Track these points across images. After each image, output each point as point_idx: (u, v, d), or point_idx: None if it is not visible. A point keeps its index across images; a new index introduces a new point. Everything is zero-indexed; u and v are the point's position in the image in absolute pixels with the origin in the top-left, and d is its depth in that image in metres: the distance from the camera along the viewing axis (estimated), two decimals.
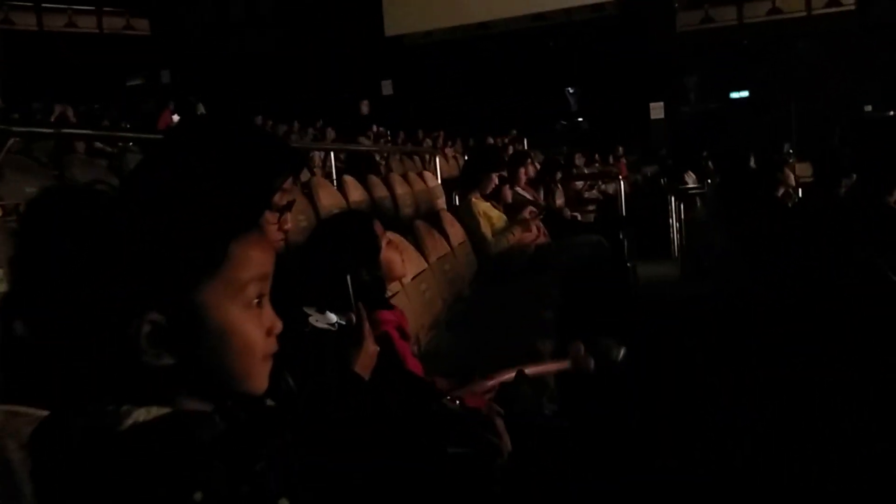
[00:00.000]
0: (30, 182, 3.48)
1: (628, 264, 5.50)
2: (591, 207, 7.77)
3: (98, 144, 4.76)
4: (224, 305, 0.68)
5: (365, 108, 7.94)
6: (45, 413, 0.78)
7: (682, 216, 7.06)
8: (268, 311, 0.73)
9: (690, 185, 8.30)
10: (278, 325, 0.74)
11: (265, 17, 17.24)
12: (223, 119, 1.19)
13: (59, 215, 0.65)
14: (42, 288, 0.64)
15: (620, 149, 12.79)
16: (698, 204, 6.84)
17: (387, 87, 16.25)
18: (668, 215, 7.21)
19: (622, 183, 7.74)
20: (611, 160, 12.43)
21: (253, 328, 0.70)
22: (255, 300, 0.71)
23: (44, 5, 15.77)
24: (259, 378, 0.72)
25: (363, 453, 0.89)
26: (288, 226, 1.15)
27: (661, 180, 10.20)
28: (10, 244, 1.74)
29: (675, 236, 7.12)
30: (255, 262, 0.70)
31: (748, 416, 2.67)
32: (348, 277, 1.18)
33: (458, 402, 1.27)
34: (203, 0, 17.58)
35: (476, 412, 1.23)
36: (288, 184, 1.12)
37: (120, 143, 5.00)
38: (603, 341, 1.77)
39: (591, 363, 1.73)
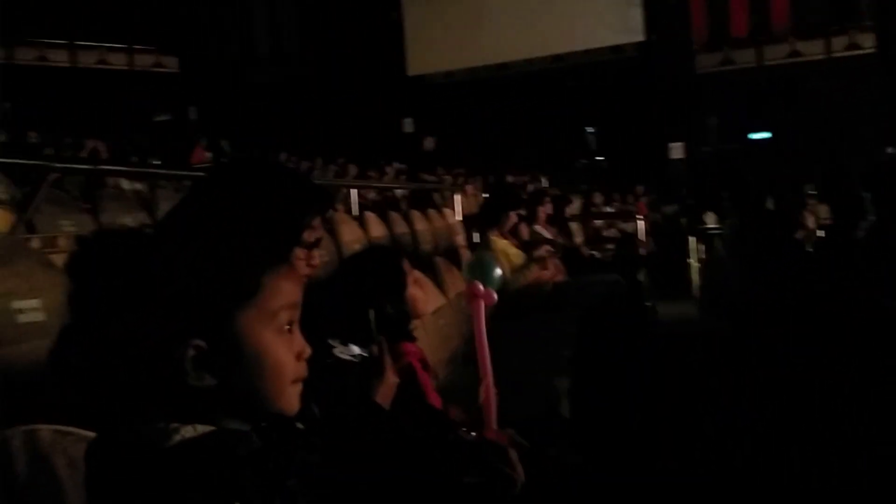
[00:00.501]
0: (64, 215, 3.61)
1: (647, 303, 5.53)
2: (609, 246, 7.81)
3: (125, 184, 4.94)
4: (258, 332, 0.75)
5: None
6: (91, 434, 0.85)
7: (701, 256, 7.09)
8: (297, 337, 0.80)
9: (710, 225, 8.32)
10: (307, 350, 0.81)
11: (290, 53, 17.68)
12: (256, 160, 1.27)
13: (110, 255, 0.73)
14: (96, 321, 0.71)
15: (640, 188, 12.83)
16: (717, 244, 6.85)
17: (408, 125, 16.52)
18: (686, 255, 7.24)
19: (641, 222, 7.79)
20: (630, 199, 12.47)
21: (284, 352, 0.77)
22: (286, 326, 0.78)
23: (77, 42, 16.31)
24: (289, 399, 0.79)
25: (381, 479, 0.94)
26: (316, 262, 1.21)
27: (681, 220, 10.22)
28: (45, 275, 1.83)
29: (694, 276, 7.13)
30: (285, 292, 0.78)
31: (767, 458, 2.67)
32: (371, 312, 1.24)
33: (473, 433, 1.32)
34: (229, 37, 18.08)
35: (490, 443, 1.27)
36: (316, 221, 1.19)
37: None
38: (483, 259, 1.82)
39: (494, 295, 1.76)
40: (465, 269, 1.85)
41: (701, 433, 2.93)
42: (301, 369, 0.80)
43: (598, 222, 8.70)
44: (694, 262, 7.14)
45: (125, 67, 17.03)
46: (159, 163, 7.52)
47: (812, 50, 14.46)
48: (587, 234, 7.56)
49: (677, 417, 3.02)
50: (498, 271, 1.82)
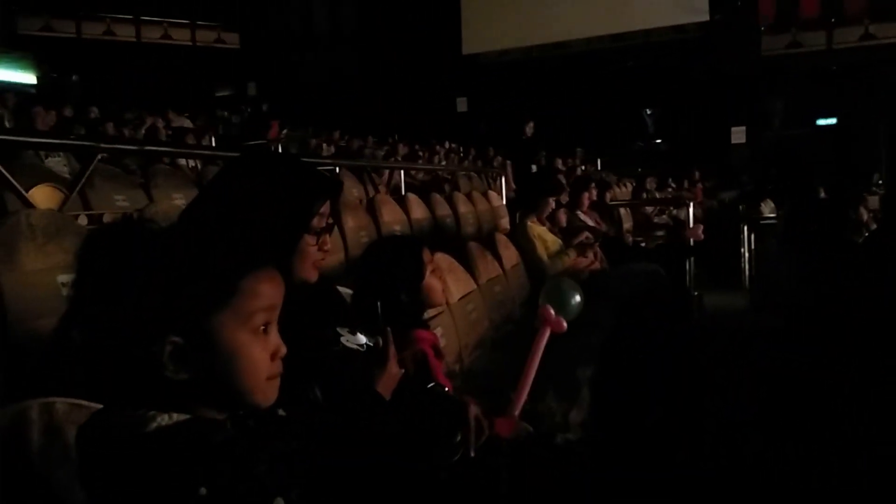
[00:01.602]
0: (118, 191, 3.77)
1: (694, 293, 5.43)
2: (659, 233, 7.67)
3: (182, 160, 5.12)
4: (233, 332, 0.79)
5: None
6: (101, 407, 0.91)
7: (753, 246, 6.90)
8: (273, 337, 0.85)
9: (766, 214, 8.08)
10: (282, 350, 0.85)
11: (348, 32, 17.80)
12: (264, 150, 1.31)
13: (108, 248, 0.78)
14: (92, 306, 0.77)
15: (697, 173, 12.53)
16: (770, 234, 6.66)
17: (461, 104, 16.48)
18: (739, 244, 7.06)
19: (693, 209, 7.62)
20: (686, 184, 12.18)
21: (258, 351, 0.82)
22: (262, 327, 0.83)
23: (142, 17, 16.78)
24: (263, 394, 0.83)
25: (371, 464, 0.98)
26: (327, 247, 1.25)
27: (739, 207, 9.95)
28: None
29: (746, 266, 6.95)
30: (262, 295, 0.82)
31: (817, 457, 2.61)
32: (378, 303, 1.28)
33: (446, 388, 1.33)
34: (290, 14, 18.30)
35: (453, 399, 1.28)
36: (325, 208, 1.22)
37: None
38: (563, 287, 1.79)
39: (564, 324, 1.74)
40: (543, 293, 1.84)
41: (738, 432, 2.87)
42: (276, 367, 0.84)
43: (649, 209, 8.52)
44: (746, 253, 6.96)
45: (188, 43, 17.44)
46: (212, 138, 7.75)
47: (887, 33, 13.74)
48: (636, 221, 7.43)
49: (711, 414, 2.97)
50: (576, 300, 1.81)
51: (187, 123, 9.17)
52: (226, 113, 11.92)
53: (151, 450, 0.73)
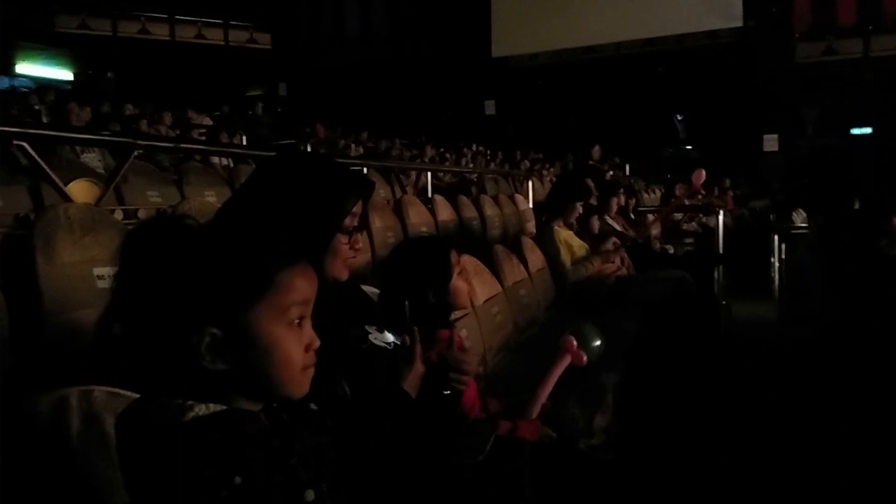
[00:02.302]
0: (151, 187, 3.84)
1: (722, 302, 5.37)
2: (688, 240, 7.58)
3: (214, 158, 5.22)
4: (269, 324, 0.82)
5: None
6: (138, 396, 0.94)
7: (784, 256, 6.80)
8: (307, 330, 0.87)
9: (798, 224, 7.95)
10: (316, 343, 0.88)
11: (378, 33, 17.92)
12: (297, 151, 1.35)
13: (151, 244, 0.81)
14: (133, 300, 0.80)
15: (728, 181, 12.38)
16: (800, 244, 6.56)
17: (489, 107, 16.48)
18: (770, 254, 6.96)
19: (723, 216, 7.52)
20: (716, 192, 12.05)
21: (293, 344, 0.84)
22: (297, 321, 0.85)
23: (177, 17, 17.07)
24: (297, 386, 0.85)
25: (395, 460, 1.00)
26: (359, 245, 1.27)
27: (770, 216, 9.81)
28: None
29: (776, 277, 6.86)
30: (297, 290, 0.84)
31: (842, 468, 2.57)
32: (406, 303, 1.30)
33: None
34: (321, 16, 18.47)
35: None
36: (357, 207, 1.24)
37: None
38: (585, 328, 1.82)
39: (585, 359, 1.77)
40: (571, 325, 1.88)
41: (765, 444, 2.83)
42: (309, 359, 0.86)
43: (678, 215, 8.44)
44: (777, 263, 6.86)
45: (221, 42, 17.69)
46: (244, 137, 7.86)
47: None
48: (665, 227, 7.36)
49: (736, 426, 2.93)
50: (597, 344, 1.84)
51: (207, 121, 9.30)
52: (257, 111, 12.04)
53: (188, 438, 0.75)
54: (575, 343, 1.75)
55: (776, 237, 6.95)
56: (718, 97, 14.57)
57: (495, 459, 1.12)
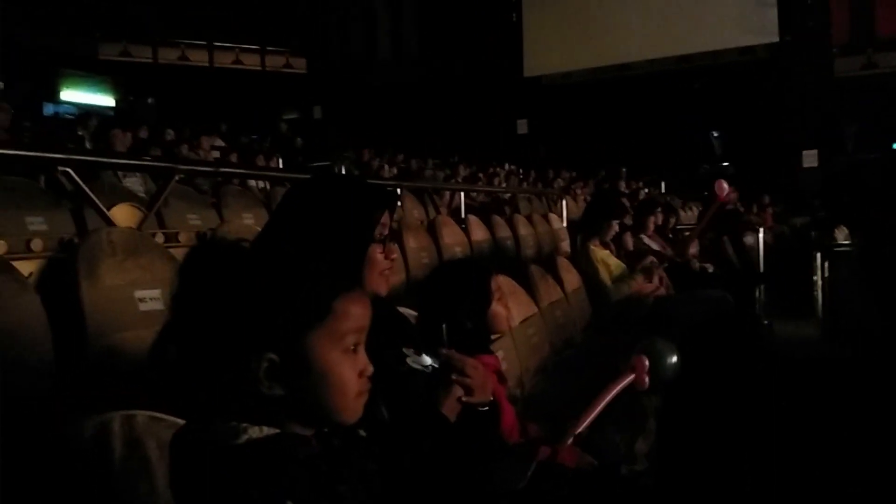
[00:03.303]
0: (191, 210, 3.90)
1: (764, 322, 5.25)
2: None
3: (251, 181, 5.32)
4: (326, 350, 0.82)
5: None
6: (181, 421, 0.95)
7: (827, 274, 6.63)
8: (361, 357, 0.88)
9: (840, 241, 7.77)
10: (369, 369, 0.88)
11: (410, 54, 18.12)
12: (324, 171, 1.38)
13: (209, 267, 0.83)
14: (191, 324, 0.81)
15: (767, 197, 12.16)
16: (843, 262, 6.39)
17: (522, 126, 16.50)
18: (812, 272, 6.80)
19: (762, 234, 7.38)
20: (755, 209, 11.84)
21: (348, 370, 0.84)
22: (352, 347, 0.86)
23: (215, 43, 17.51)
24: (350, 412, 0.86)
25: (432, 486, 0.98)
26: (394, 255, 1.32)
27: (811, 233, 9.61)
28: (166, 267, 2.01)
29: (819, 295, 6.69)
30: (354, 317, 0.85)
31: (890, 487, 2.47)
32: (443, 326, 1.29)
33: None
34: (354, 40, 18.77)
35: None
36: (385, 218, 1.29)
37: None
38: (657, 345, 1.75)
39: (647, 382, 1.71)
40: (643, 346, 1.84)
41: (809, 465, 2.75)
42: (363, 385, 0.87)
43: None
44: (819, 280, 6.69)
45: (258, 68, 18.08)
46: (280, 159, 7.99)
47: None
48: (702, 246, 7.24)
49: (782, 450, 2.84)
50: (673, 361, 1.80)
51: (218, 142, 9.44)
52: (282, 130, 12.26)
53: (240, 460, 0.76)
54: (647, 363, 1.70)
55: (818, 255, 6.79)
56: (755, 113, 14.37)
57: (536, 487, 1.09)
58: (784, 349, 5.30)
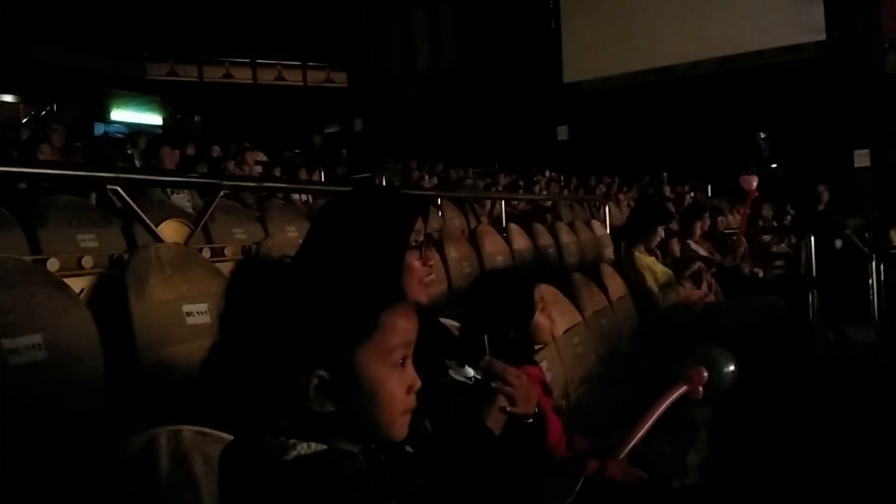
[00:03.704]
0: (237, 224, 3.97)
1: (818, 328, 5.09)
2: (778, 263, 7.27)
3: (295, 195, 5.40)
4: (374, 365, 0.82)
5: (825, 195, 7.89)
6: (227, 436, 0.95)
7: (883, 277, 6.40)
8: (409, 371, 0.87)
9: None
10: (417, 384, 0.88)
11: (448, 64, 18.20)
12: (370, 185, 1.39)
13: (254, 286, 0.83)
14: (240, 342, 0.81)
15: (826, 194, 11.78)
16: None
17: (562, 133, 16.38)
18: (867, 275, 6.57)
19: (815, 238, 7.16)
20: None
21: (396, 385, 0.84)
22: (400, 361, 0.85)
23: (258, 61, 17.89)
24: (398, 428, 0.85)
25: (480, 500, 0.96)
26: (432, 262, 1.32)
27: (866, 235, 9.31)
28: (213, 282, 2.03)
29: (874, 299, 6.45)
30: (401, 331, 0.85)
31: None
32: (486, 337, 1.27)
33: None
34: (393, 52, 18.95)
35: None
36: (419, 225, 1.29)
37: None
38: (713, 353, 1.70)
39: (700, 392, 1.66)
40: (698, 354, 1.80)
41: (868, 475, 2.63)
42: (410, 401, 0.86)
43: (766, 237, 8.10)
44: (875, 284, 6.46)
45: (299, 83, 18.40)
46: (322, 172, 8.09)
47: None
48: (753, 250, 7.07)
49: (840, 461, 2.73)
50: (731, 370, 1.75)
51: (262, 157, 9.59)
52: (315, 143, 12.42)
53: (289, 476, 0.76)
54: (706, 374, 1.65)
55: (874, 257, 6.56)
56: (803, 113, 13.99)
57: (584, 502, 1.06)
58: (839, 355, 5.14)
